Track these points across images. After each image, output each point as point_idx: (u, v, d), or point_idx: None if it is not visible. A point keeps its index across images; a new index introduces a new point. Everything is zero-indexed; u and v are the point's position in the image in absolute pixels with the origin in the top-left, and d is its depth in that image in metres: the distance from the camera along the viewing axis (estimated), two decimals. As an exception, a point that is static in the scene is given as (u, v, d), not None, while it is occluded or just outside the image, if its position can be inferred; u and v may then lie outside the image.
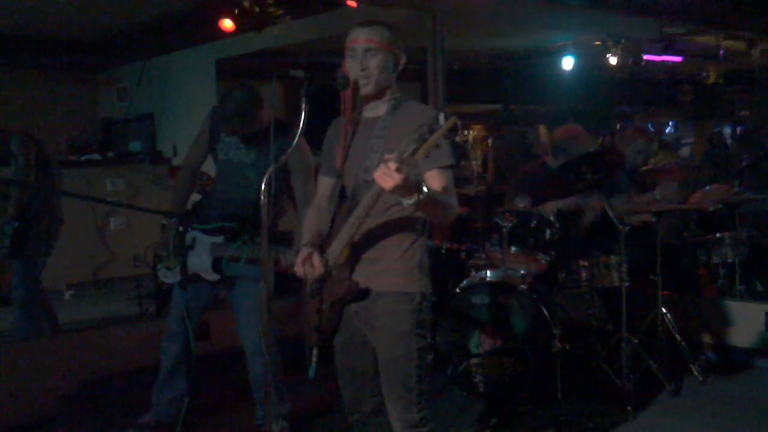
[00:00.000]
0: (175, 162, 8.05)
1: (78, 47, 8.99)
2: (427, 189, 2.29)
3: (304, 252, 2.67)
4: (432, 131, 2.19)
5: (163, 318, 5.73)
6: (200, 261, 3.63)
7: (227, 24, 7.10)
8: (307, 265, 2.63)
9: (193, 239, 3.66)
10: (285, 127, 3.57)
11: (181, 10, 7.54)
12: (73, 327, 6.11)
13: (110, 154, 8.34)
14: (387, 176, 2.19)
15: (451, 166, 2.57)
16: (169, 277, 3.70)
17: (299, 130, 2.50)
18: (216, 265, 3.62)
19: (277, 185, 3.62)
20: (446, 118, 2.19)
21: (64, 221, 5.33)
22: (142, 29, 8.31)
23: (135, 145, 8.73)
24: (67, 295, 7.42)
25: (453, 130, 2.22)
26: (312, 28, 7.22)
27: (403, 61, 2.69)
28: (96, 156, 8.16)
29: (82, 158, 8.02)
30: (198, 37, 7.93)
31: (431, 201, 2.34)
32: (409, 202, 2.28)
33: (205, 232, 3.65)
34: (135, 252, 7.76)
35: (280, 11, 6.95)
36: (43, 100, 8.91)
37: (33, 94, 8.87)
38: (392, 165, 2.17)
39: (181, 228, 3.65)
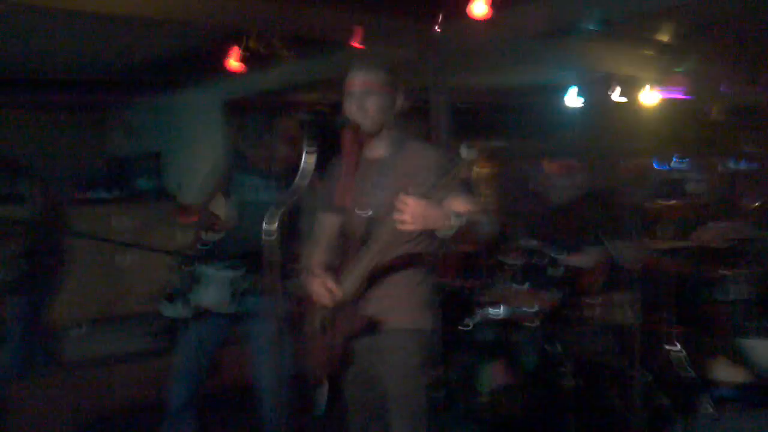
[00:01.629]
0: (180, 199, 8.09)
1: (85, 85, 9.09)
2: (458, 213, 2.32)
3: (317, 278, 2.67)
4: (454, 164, 2.24)
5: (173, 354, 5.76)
6: (215, 295, 3.62)
7: (234, 64, 7.17)
8: (322, 289, 2.65)
9: (205, 275, 3.67)
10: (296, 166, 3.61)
11: (188, 48, 7.63)
12: (85, 363, 6.07)
13: (116, 192, 8.38)
14: (417, 216, 2.24)
15: (471, 192, 2.59)
16: (170, 310, 3.69)
17: (302, 170, 2.52)
18: (234, 298, 3.62)
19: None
20: (468, 150, 2.23)
21: (66, 261, 5.32)
22: (149, 67, 8.40)
23: (142, 183, 8.77)
24: (78, 331, 7.38)
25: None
26: (319, 68, 7.30)
27: (402, 101, 2.74)
28: (103, 194, 8.20)
29: (89, 196, 8.07)
30: (206, 76, 8.00)
31: (466, 224, 2.36)
32: (447, 233, 2.31)
33: (222, 268, 3.65)
34: (146, 288, 7.81)
35: (287, 51, 7.03)
36: (49, 139, 8.97)
37: (39, 133, 8.94)
38: (411, 200, 2.19)
39: (187, 264, 3.64)
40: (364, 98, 2.64)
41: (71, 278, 5.41)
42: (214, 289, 3.64)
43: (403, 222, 2.27)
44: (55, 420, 4.41)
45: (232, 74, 7.34)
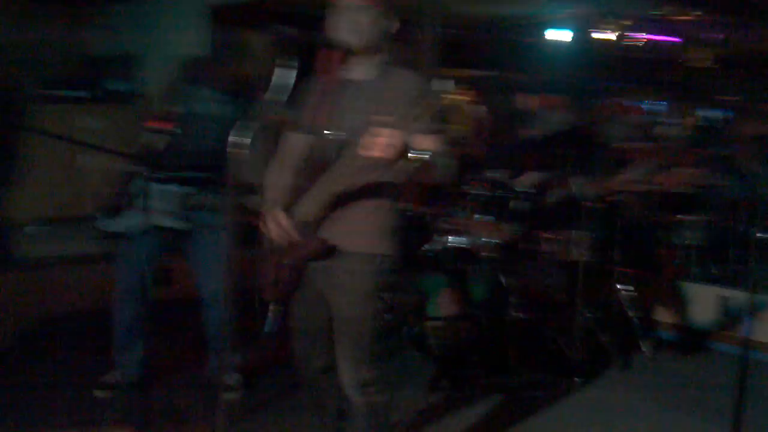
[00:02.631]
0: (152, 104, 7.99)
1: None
2: (420, 150, 2.31)
3: (269, 211, 2.67)
4: (428, 96, 2.23)
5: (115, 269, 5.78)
6: (160, 209, 3.60)
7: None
8: (274, 225, 2.63)
9: (151, 189, 3.62)
10: (254, 84, 3.61)
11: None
12: (34, 263, 6.09)
13: (89, 92, 8.25)
14: (383, 144, 2.20)
15: (438, 131, 2.53)
16: (112, 225, 3.65)
17: (290, 87, 2.48)
18: (180, 213, 3.62)
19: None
20: (443, 84, 2.18)
21: (18, 157, 5.25)
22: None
23: (116, 84, 8.62)
24: (30, 229, 7.38)
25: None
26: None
27: (395, 26, 2.65)
28: (79, 93, 8.07)
29: (64, 94, 7.94)
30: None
31: (424, 164, 2.36)
32: (406, 165, 2.31)
33: (166, 181, 3.61)
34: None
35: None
36: (25, 33, 8.76)
37: (15, 26, 8.72)
38: (385, 132, 2.18)
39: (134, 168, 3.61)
40: (357, 14, 2.53)
41: (30, 176, 5.35)
42: (159, 204, 3.60)
43: (365, 147, 2.22)
44: (3, 319, 4.41)
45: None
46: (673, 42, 10.22)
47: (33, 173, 5.50)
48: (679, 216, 5.06)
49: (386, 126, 2.18)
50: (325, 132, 2.65)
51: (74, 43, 9.41)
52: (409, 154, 2.28)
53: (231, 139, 2.46)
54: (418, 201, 5.35)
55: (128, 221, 3.64)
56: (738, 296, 4.88)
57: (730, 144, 6.56)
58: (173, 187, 3.61)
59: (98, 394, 3.82)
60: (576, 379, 4.20)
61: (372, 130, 2.20)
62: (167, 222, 3.63)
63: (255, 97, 3.60)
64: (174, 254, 3.88)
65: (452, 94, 10.97)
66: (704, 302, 5.02)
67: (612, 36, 8.80)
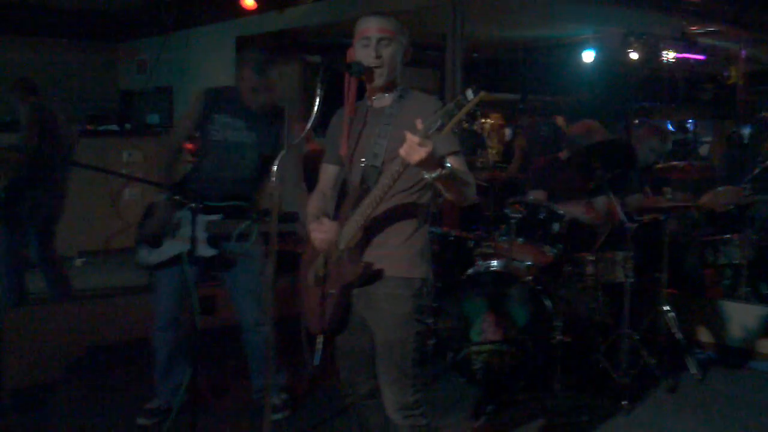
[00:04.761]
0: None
1: (100, 17, 9.07)
2: (450, 164, 2.32)
3: (315, 222, 2.70)
4: (460, 106, 2.18)
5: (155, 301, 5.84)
6: (199, 238, 3.55)
7: (249, 2, 7.15)
8: (319, 232, 2.65)
9: (180, 219, 3.64)
10: (282, 113, 3.65)
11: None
12: (83, 294, 6.19)
13: (128, 125, 8.41)
14: (413, 150, 2.22)
15: (460, 152, 2.61)
16: (154, 257, 3.68)
17: (313, 114, 2.50)
18: (212, 241, 3.63)
19: (265, 172, 3.68)
20: (474, 93, 2.17)
21: (66, 195, 5.35)
22: (164, 2, 8.36)
23: (153, 118, 8.80)
24: (78, 262, 7.51)
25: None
26: (334, 10, 7.24)
27: (410, 52, 2.71)
28: (113, 127, 8.24)
29: (100, 128, 8.11)
30: (219, 13, 7.98)
31: (453, 176, 2.37)
32: (432, 175, 2.30)
33: (203, 210, 3.59)
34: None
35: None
36: (62, 69, 8.98)
37: (53, 62, 8.94)
38: (416, 139, 2.20)
39: (176, 199, 3.61)
40: (379, 45, 2.60)
41: (76, 209, 5.47)
42: (197, 233, 3.52)
43: (404, 154, 2.24)
44: (54, 349, 4.48)
45: (247, 12, 7.33)
46: (700, 60, 10.17)
47: (80, 207, 5.61)
48: (725, 235, 4.99)
49: (420, 134, 2.21)
50: (357, 160, 2.69)
51: (110, 79, 9.63)
52: (441, 167, 2.29)
53: (272, 168, 2.49)
54: (457, 224, 5.36)
55: (168, 251, 3.66)
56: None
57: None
58: (211, 216, 3.63)
59: (141, 421, 3.85)
60: (623, 402, 4.14)
61: (408, 141, 2.22)
62: (206, 251, 3.63)
63: (283, 125, 3.62)
64: (216, 282, 3.91)
65: (482, 118, 11.01)
66: (752, 322, 4.95)
67: (639, 55, 8.77)
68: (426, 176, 2.32)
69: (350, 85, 2.68)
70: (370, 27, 2.62)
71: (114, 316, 4.94)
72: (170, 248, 3.67)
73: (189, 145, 6.05)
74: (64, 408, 4.14)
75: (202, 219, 3.60)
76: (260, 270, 3.76)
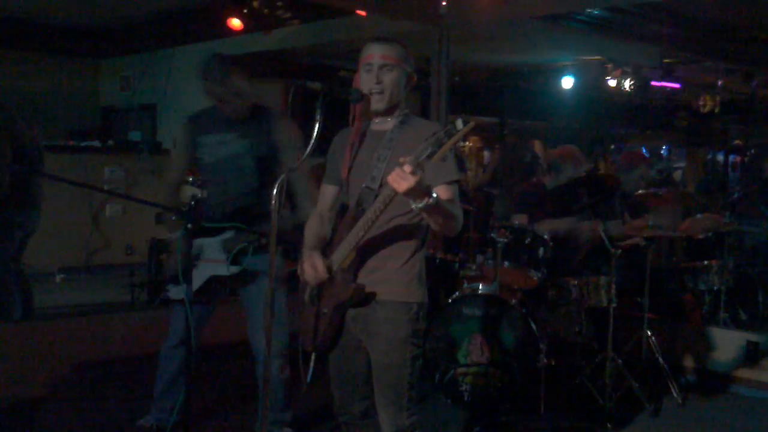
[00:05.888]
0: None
1: (83, 34, 9.05)
2: (437, 195, 2.36)
3: (306, 255, 2.75)
4: (449, 135, 2.23)
5: (155, 308, 5.83)
6: (214, 263, 3.60)
7: (235, 23, 7.19)
8: (309, 268, 2.70)
9: (201, 246, 3.63)
10: (267, 111, 3.66)
11: (189, 4, 7.61)
12: (65, 312, 6.15)
13: (110, 142, 8.38)
14: (401, 179, 2.25)
15: (457, 182, 2.66)
16: (178, 292, 3.58)
17: (313, 140, 2.53)
18: (233, 260, 3.59)
19: (267, 173, 3.66)
20: (464, 123, 2.22)
21: (39, 207, 5.32)
22: (149, 20, 8.38)
23: (135, 135, 8.77)
24: (58, 278, 7.46)
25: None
26: (319, 32, 7.31)
27: (414, 79, 2.76)
28: (95, 143, 8.20)
29: (82, 144, 8.07)
30: (204, 33, 8.00)
31: (439, 208, 2.41)
32: (419, 205, 2.34)
33: (210, 234, 3.61)
34: (129, 240, 7.89)
35: (289, 14, 7.02)
36: (44, 85, 8.94)
37: (34, 78, 8.91)
38: (407, 168, 2.24)
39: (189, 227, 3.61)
40: (381, 71, 2.64)
41: (57, 225, 5.41)
42: (212, 255, 3.60)
43: (392, 181, 2.27)
44: (30, 368, 4.44)
45: (232, 32, 7.36)
46: (676, 88, 10.38)
47: (61, 223, 5.56)
48: (705, 261, 5.09)
49: (410, 162, 2.24)
50: (356, 182, 2.73)
51: (92, 95, 9.59)
52: (428, 197, 2.32)
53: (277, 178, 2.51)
54: (443, 247, 5.40)
55: (197, 281, 3.59)
56: (767, 340, 4.91)
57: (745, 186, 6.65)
58: (223, 236, 3.61)
59: None
60: (608, 425, 4.20)
61: (398, 166, 2.26)
62: (229, 270, 3.60)
63: (272, 122, 3.65)
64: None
65: (462, 142, 11.11)
66: (733, 347, 5.04)
67: (617, 83, 8.95)
68: (413, 205, 2.36)
69: (355, 109, 2.73)
70: (374, 53, 2.67)
71: (97, 333, 4.92)
72: (197, 278, 3.60)
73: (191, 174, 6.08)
74: (50, 426, 4.10)
75: (215, 240, 3.60)
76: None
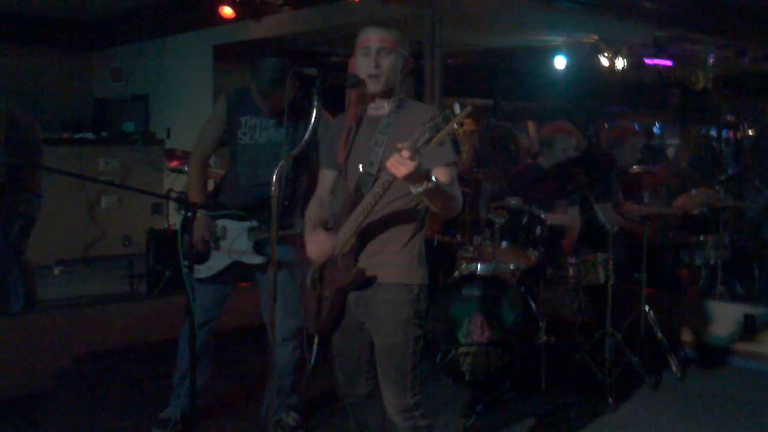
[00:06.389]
0: (169, 144, 8.11)
1: (75, 25, 9.02)
2: (436, 179, 2.38)
3: (309, 234, 2.77)
4: (447, 120, 2.24)
5: (155, 298, 5.85)
6: (239, 247, 3.60)
7: (227, 11, 7.16)
8: (313, 245, 2.73)
9: (224, 227, 3.63)
10: (307, 104, 3.63)
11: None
12: (65, 304, 6.17)
13: (104, 133, 8.37)
14: (400, 164, 2.27)
15: (455, 163, 2.68)
16: (202, 272, 3.63)
17: (311, 126, 2.56)
18: (258, 248, 3.62)
19: (302, 166, 3.67)
20: (461, 107, 2.23)
21: (41, 196, 5.32)
22: (140, 10, 8.34)
23: (129, 126, 8.76)
24: (56, 270, 7.47)
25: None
26: (311, 18, 7.28)
27: (410, 63, 2.77)
28: (90, 135, 8.19)
29: (76, 136, 8.06)
30: (196, 21, 7.97)
31: (439, 191, 2.43)
32: (418, 190, 2.36)
33: (236, 218, 3.61)
34: (126, 232, 7.90)
35: (280, 1, 7.00)
36: (35, 77, 8.90)
37: (26, 70, 8.86)
38: (405, 153, 2.26)
39: (210, 215, 3.57)
40: (378, 55, 2.65)
41: (54, 218, 5.41)
42: (238, 242, 3.60)
43: (390, 167, 2.30)
44: (31, 360, 4.45)
45: (224, 21, 7.34)
46: (668, 66, 10.38)
47: (58, 215, 5.55)
48: (701, 237, 5.13)
49: (408, 147, 2.26)
50: (353, 167, 2.76)
51: (84, 87, 9.56)
52: (427, 181, 2.34)
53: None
54: (441, 229, 5.44)
55: (219, 265, 3.64)
56: (763, 313, 4.95)
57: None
58: (250, 223, 3.61)
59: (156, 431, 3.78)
60: (609, 399, 4.24)
61: (396, 152, 2.28)
62: (253, 259, 3.62)
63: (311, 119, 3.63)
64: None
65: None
66: (730, 320, 5.09)
67: (609, 61, 8.94)
68: (412, 190, 2.38)
69: (351, 94, 2.74)
70: (371, 37, 2.68)
71: (98, 324, 4.94)
72: (220, 261, 3.64)
73: (174, 163, 6.06)
74: (51, 417, 4.13)
75: (241, 226, 3.61)
76: (293, 278, 3.67)
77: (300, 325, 3.68)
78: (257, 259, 3.63)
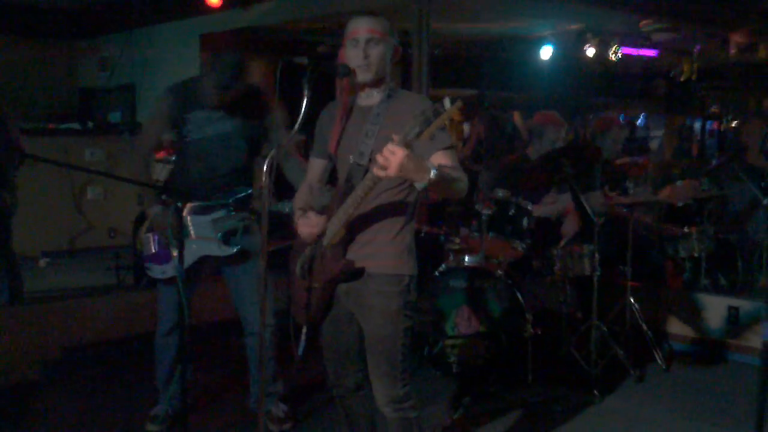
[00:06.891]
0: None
1: (60, 14, 8.94)
2: (436, 168, 2.37)
3: (299, 216, 2.78)
4: (437, 114, 2.24)
5: (142, 290, 5.84)
6: (205, 242, 3.56)
7: (214, 0, 7.13)
8: (304, 225, 2.73)
9: (187, 225, 3.57)
10: (255, 91, 3.63)
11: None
12: (51, 295, 6.15)
13: (90, 123, 8.32)
14: (389, 159, 2.26)
15: (452, 146, 2.67)
16: (168, 271, 3.54)
17: (301, 115, 2.53)
18: (226, 239, 3.58)
19: (256, 153, 3.67)
20: (452, 102, 2.22)
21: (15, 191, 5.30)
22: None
23: (115, 116, 8.71)
24: (42, 262, 7.44)
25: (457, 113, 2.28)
26: (299, 7, 7.26)
27: (399, 51, 2.77)
28: (75, 125, 8.14)
29: (61, 127, 8.01)
30: (183, 10, 7.92)
31: (442, 179, 2.42)
32: (421, 184, 2.37)
33: (198, 211, 3.56)
34: (112, 223, 7.88)
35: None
36: (20, 67, 8.83)
37: (10, 60, 8.79)
38: (392, 147, 2.26)
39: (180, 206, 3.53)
40: (368, 45, 2.65)
41: (39, 209, 5.40)
42: (200, 234, 3.55)
43: (382, 168, 2.29)
44: (18, 353, 4.44)
45: (211, 9, 7.30)
46: (653, 55, 10.41)
47: (43, 206, 5.53)
48: (685, 228, 5.16)
49: (396, 144, 2.26)
50: (344, 157, 2.76)
51: (70, 77, 9.48)
52: (429, 173, 2.34)
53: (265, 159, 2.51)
54: (428, 221, 5.44)
55: (187, 260, 3.52)
56: (747, 305, 5.00)
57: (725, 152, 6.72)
58: (213, 215, 3.58)
59: (150, 428, 3.77)
60: (594, 391, 4.28)
61: (384, 150, 2.28)
62: (224, 250, 3.59)
63: (264, 103, 3.60)
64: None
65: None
66: (714, 312, 5.13)
67: (595, 51, 8.96)
68: (417, 185, 2.39)
69: (342, 84, 2.74)
70: (359, 28, 2.67)
71: (85, 315, 4.93)
72: (188, 257, 3.48)
73: (161, 154, 6.03)
74: (39, 409, 4.13)
75: (205, 219, 3.57)
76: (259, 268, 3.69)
77: (272, 311, 3.72)
78: (227, 251, 3.59)
